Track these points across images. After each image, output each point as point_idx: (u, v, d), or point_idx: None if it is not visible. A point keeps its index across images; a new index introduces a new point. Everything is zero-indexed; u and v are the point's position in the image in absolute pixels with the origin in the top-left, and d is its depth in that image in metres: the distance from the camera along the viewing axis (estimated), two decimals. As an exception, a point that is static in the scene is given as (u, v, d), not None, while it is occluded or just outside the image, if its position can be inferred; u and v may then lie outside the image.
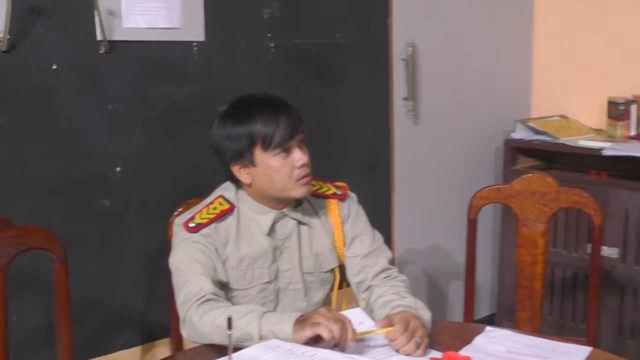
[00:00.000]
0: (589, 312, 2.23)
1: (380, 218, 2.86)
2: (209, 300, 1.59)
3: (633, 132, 3.09)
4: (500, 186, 2.32)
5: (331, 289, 1.83)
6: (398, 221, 3.04)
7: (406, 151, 3.05)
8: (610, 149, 2.90)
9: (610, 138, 3.10)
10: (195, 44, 2.39)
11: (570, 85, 3.44)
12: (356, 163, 2.88)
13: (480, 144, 3.35)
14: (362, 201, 1.88)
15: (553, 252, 2.95)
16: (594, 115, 3.33)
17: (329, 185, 1.84)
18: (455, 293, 3.22)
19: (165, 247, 1.79)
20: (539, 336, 1.71)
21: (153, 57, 2.31)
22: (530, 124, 3.24)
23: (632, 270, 2.89)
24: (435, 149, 3.18)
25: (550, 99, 3.50)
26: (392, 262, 1.84)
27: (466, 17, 3.22)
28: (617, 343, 2.93)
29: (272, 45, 2.59)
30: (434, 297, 3.23)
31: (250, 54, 2.54)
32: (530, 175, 2.28)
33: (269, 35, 2.58)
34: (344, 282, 1.83)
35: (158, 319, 2.30)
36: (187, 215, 1.71)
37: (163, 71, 2.34)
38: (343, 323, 1.43)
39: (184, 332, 1.62)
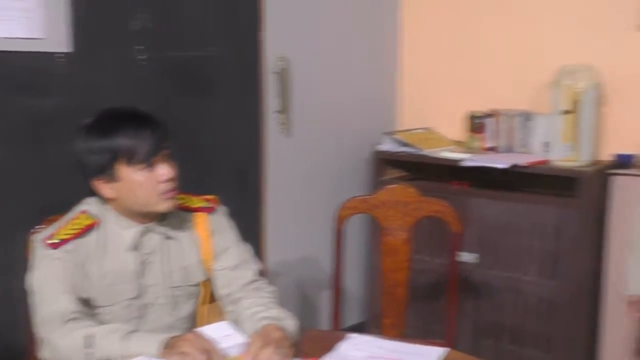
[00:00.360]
0: (447, 315, 2.36)
1: (251, 230, 2.89)
2: (72, 319, 1.55)
3: (490, 144, 3.29)
4: (366, 197, 2.41)
5: (200, 303, 1.84)
6: (271, 233, 3.08)
7: (278, 163, 3.10)
8: (468, 159, 3.07)
9: (470, 149, 3.29)
10: (60, 55, 2.33)
11: (434, 99, 3.62)
12: (227, 176, 2.89)
13: (350, 156, 3.45)
14: (234, 214, 1.90)
15: (418, 259, 3.07)
16: (456, 127, 3.51)
17: (197, 198, 1.85)
18: (327, 302, 3.29)
19: (23, 265, 1.73)
20: (401, 340, 1.79)
21: (12, 68, 2.22)
22: (397, 136, 3.38)
23: (488, 274, 3.08)
24: (307, 161, 3.25)
25: (416, 112, 3.66)
26: (261, 273, 1.87)
27: (336, 33, 3.32)
28: (475, 343, 3.10)
29: (142, 57, 2.56)
30: (306, 306, 3.29)
31: (120, 66, 2.50)
32: (393, 186, 2.39)
33: (140, 47, 2.55)
34: (212, 295, 1.84)
35: (13, 341, 2.19)
36: (47, 231, 1.67)
37: (24, 83, 2.26)
38: (209, 352, 1.45)
39: (45, 353, 1.58)
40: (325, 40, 3.27)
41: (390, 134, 3.42)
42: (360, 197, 2.41)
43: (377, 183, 3.24)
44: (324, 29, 3.26)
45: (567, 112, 2.94)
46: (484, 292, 3.09)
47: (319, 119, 3.28)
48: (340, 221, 2.35)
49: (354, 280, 3.43)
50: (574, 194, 2.90)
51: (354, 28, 3.42)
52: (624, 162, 2.93)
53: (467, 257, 3.05)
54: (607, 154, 3.06)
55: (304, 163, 3.23)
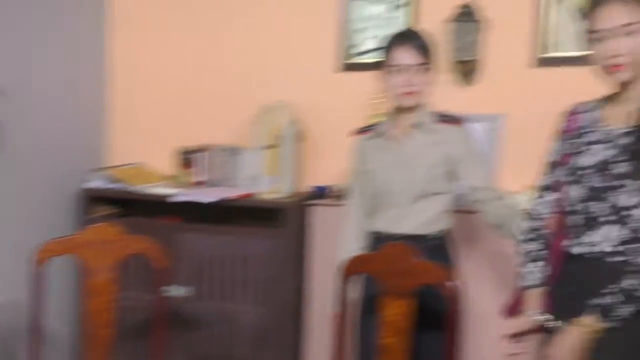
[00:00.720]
0: (155, 352, 2.35)
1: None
2: None
3: (200, 179, 3.36)
4: (70, 237, 2.33)
5: None
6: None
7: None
8: (178, 194, 3.11)
9: (180, 184, 3.34)
10: None
11: (146, 134, 3.60)
12: None
13: (57, 194, 3.29)
14: None
15: (127, 297, 2.99)
16: (167, 162, 3.53)
17: None
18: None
19: None
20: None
21: None
22: (107, 172, 3.31)
23: (202, 307, 3.12)
24: (9, 201, 3.03)
25: (128, 147, 3.62)
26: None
27: (41, 66, 3.16)
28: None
29: None
30: (6, 358, 3.05)
31: None
32: (98, 224, 2.34)
33: None
34: None
35: None
36: None
37: None
38: None
39: None
40: (31, 72, 3.10)
41: (100, 170, 3.34)
42: (63, 238, 2.32)
43: (86, 221, 3.14)
44: (29, 60, 3.09)
45: (270, 146, 3.12)
46: (198, 325, 3.13)
47: (23, 155, 3.08)
48: (39, 264, 2.23)
49: (61, 325, 3.26)
50: (280, 224, 3.07)
51: (60, 60, 3.29)
52: (320, 193, 3.19)
53: (178, 291, 3.07)
54: (307, 185, 3.30)
55: (4, 203, 3.01)
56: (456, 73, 3.06)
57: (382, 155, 2.44)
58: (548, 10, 2.92)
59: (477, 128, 2.94)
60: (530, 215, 1.98)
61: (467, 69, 3.01)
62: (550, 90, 2.88)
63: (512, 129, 3.00)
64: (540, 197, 1.96)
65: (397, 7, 3.16)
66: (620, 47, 1.68)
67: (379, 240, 2.39)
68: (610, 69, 1.72)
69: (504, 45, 3.01)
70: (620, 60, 1.70)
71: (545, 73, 2.95)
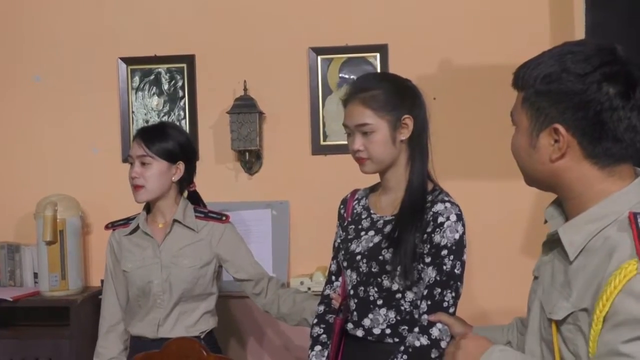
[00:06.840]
0: None
1: None
2: None
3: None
4: None
5: None
6: None
7: None
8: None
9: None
10: None
11: None
12: None
13: None
14: None
15: None
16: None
17: None
18: None
19: None
20: None
21: None
22: None
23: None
24: None
25: None
26: None
27: None
28: None
29: None
30: None
31: None
32: None
33: None
34: None
35: None
36: None
37: None
38: None
39: None
40: None
41: None
42: None
43: None
44: None
45: (50, 242, 2.96)
46: None
47: None
48: None
49: None
50: (68, 322, 2.92)
51: None
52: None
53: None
54: (98, 279, 3.16)
55: None
56: (238, 162, 3.15)
57: (141, 253, 2.32)
58: (324, 101, 3.09)
59: (263, 215, 3.04)
60: (321, 300, 2.04)
61: (249, 158, 3.10)
62: (328, 177, 3.04)
63: (295, 214, 3.11)
64: (329, 281, 2.04)
65: (177, 98, 3.21)
66: (359, 144, 1.84)
67: (141, 345, 2.28)
68: (357, 161, 1.88)
69: (284, 135, 3.14)
70: (361, 155, 1.85)
71: (323, 160, 3.10)
